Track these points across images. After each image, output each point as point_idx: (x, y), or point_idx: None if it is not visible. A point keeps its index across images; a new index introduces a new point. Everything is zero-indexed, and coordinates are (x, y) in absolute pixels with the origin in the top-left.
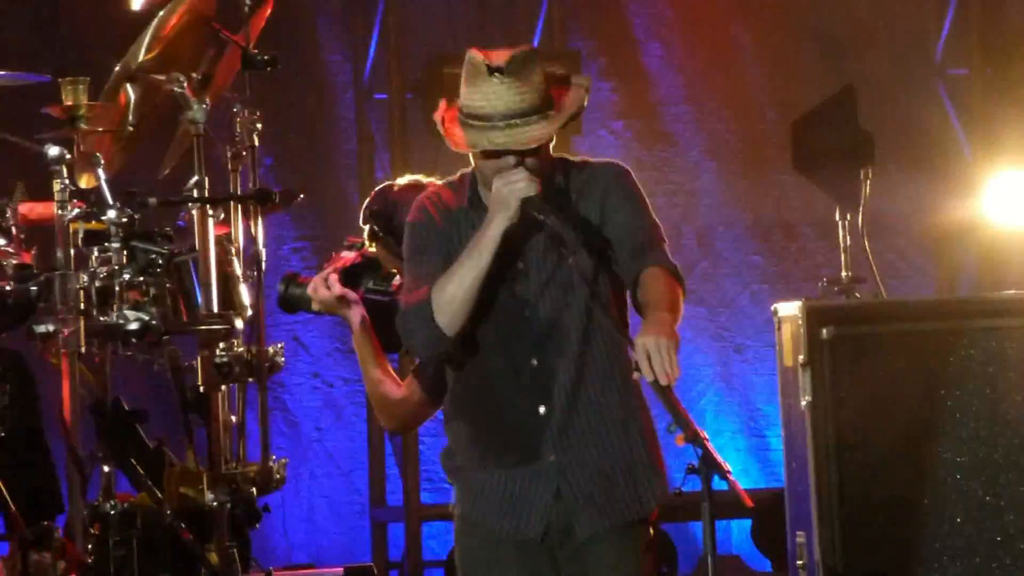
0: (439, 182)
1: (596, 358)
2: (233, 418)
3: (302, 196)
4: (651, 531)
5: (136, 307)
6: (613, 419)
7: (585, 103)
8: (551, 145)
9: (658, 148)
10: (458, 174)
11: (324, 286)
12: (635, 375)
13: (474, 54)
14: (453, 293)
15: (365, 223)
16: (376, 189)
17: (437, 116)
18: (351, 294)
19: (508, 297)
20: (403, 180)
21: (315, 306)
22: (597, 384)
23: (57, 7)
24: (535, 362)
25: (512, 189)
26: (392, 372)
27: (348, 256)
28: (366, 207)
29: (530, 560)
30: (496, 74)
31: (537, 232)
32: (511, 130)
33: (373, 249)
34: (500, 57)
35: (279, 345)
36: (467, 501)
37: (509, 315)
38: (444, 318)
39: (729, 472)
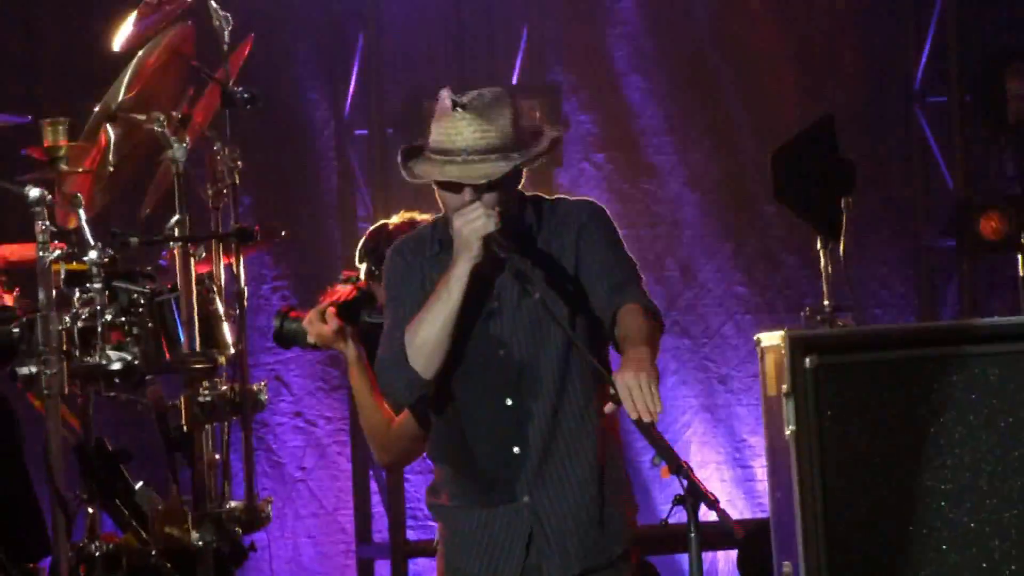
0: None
1: (571, 399)
2: (217, 457)
3: (284, 233)
4: (631, 568)
5: (118, 347)
6: (586, 462)
7: (547, 150)
8: (519, 184)
9: (640, 180)
10: (432, 218)
11: (321, 319)
12: (608, 407)
13: (444, 92)
14: (425, 336)
15: (361, 261)
16: (371, 227)
17: (399, 151)
18: (348, 327)
19: (482, 337)
20: (397, 218)
21: (311, 339)
22: (572, 425)
23: (35, 48)
24: (510, 402)
25: (472, 228)
26: (387, 407)
27: (344, 290)
28: (362, 245)
29: None
30: (459, 109)
31: (508, 271)
32: (467, 165)
33: (368, 283)
34: (466, 96)
35: (262, 383)
36: (447, 540)
37: (484, 355)
38: (419, 362)
39: (717, 501)
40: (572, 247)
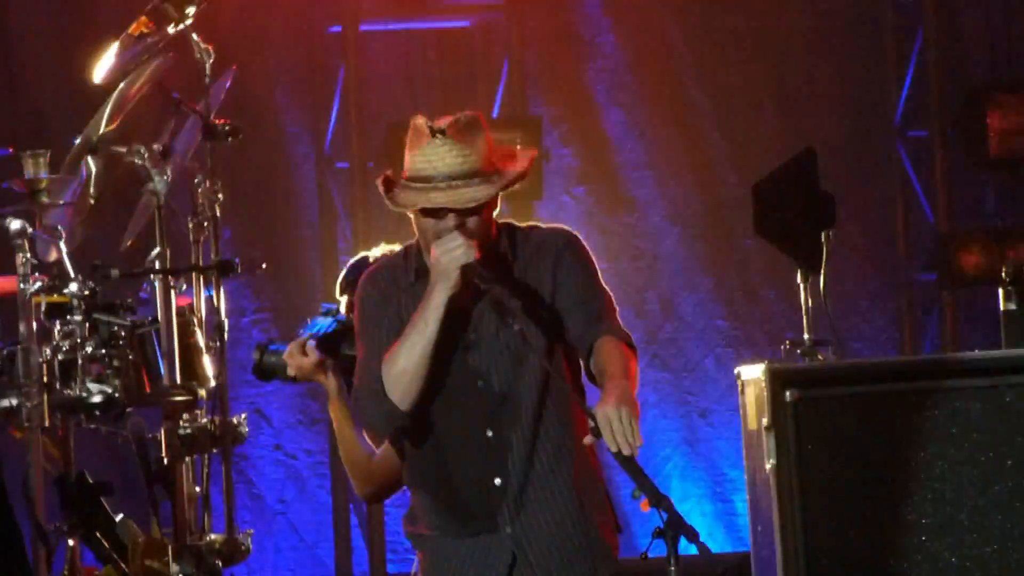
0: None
1: (550, 429)
2: (197, 489)
3: (264, 266)
4: None
5: (99, 380)
6: (566, 491)
7: (526, 170)
8: (495, 212)
9: (620, 213)
10: (403, 247)
11: (301, 352)
12: (587, 439)
13: (418, 119)
14: (403, 367)
15: (342, 293)
16: (351, 260)
17: (379, 181)
18: (329, 360)
19: (460, 368)
20: (377, 251)
21: (291, 371)
22: (551, 456)
23: (15, 80)
24: (490, 433)
25: (451, 257)
26: (368, 439)
27: (324, 322)
28: (342, 278)
29: None
30: (439, 135)
31: (489, 303)
32: (451, 191)
33: (348, 316)
34: (443, 121)
35: (242, 416)
36: (425, 570)
37: (462, 387)
38: (396, 393)
39: (697, 534)
40: (549, 276)
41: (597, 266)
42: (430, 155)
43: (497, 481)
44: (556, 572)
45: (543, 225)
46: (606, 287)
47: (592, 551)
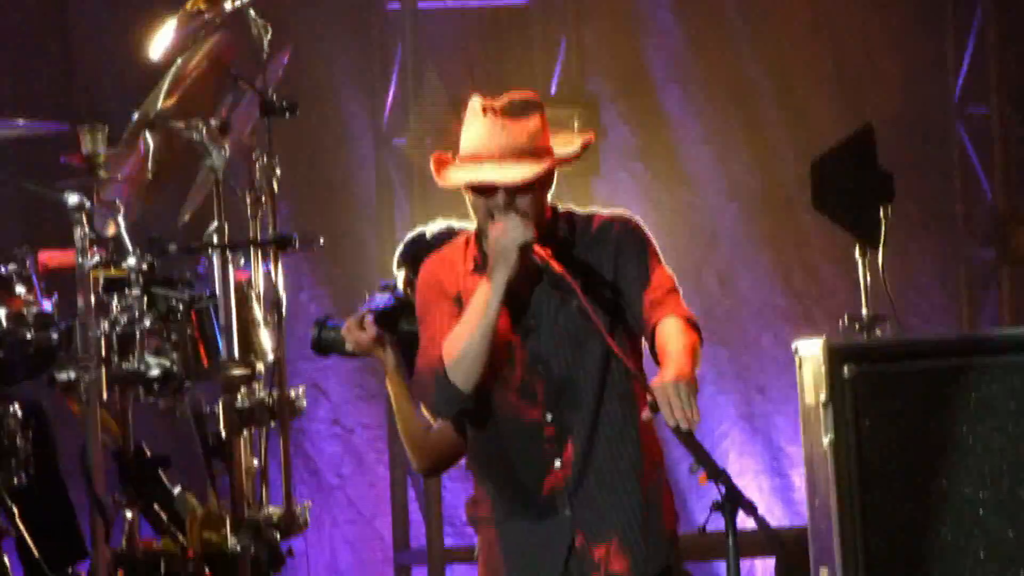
0: (470, 228)
1: (611, 413)
2: (255, 463)
3: (321, 241)
4: None
5: (157, 354)
6: (627, 475)
7: (578, 152)
8: (549, 194)
9: (678, 190)
10: (464, 233)
11: (359, 327)
12: (645, 415)
13: (475, 98)
14: (465, 351)
15: (399, 269)
16: (408, 236)
17: (432, 158)
18: (386, 335)
19: (522, 353)
20: (434, 226)
21: (349, 347)
22: (612, 439)
23: (73, 55)
24: (550, 417)
25: (511, 237)
26: (425, 413)
27: (382, 298)
28: (399, 254)
29: None
30: (490, 114)
31: (547, 288)
32: (499, 168)
33: (406, 291)
34: (498, 100)
35: (300, 389)
36: (487, 553)
37: (523, 371)
38: (459, 376)
39: (755, 507)
40: (610, 262)
41: (658, 249)
42: (482, 133)
43: (557, 463)
44: (614, 555)
45: (603, 211)
46: (668, 269)
47: (651, 536)
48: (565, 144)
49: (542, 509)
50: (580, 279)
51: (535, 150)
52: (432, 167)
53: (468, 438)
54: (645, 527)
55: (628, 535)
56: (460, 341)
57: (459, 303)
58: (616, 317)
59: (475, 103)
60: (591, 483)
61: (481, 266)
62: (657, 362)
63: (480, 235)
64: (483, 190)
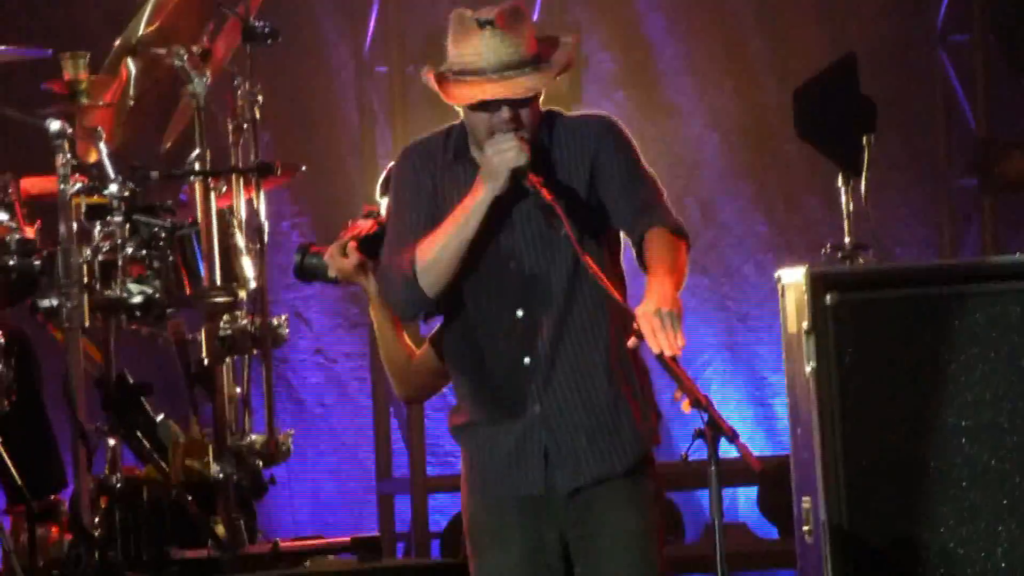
0: None
1: (580, 313)
2: (238, 390)
3: (303, 168)
4: (655, 485)
5: (139, 281)
6: (595, 372)
7: (572, 56)
8: (540, 101)
9: (660, 119)
10: (447, 126)
11: (342, 254)
12: (631, 342)
13: (461, 11)
14: (436, 259)
15: (382, 196)
16: (391, 164)
17: (427, 75)
18: (369, 262)
19: (494, 249)
20: None
21: (331, 273)
22: (581, 336)
23: None
24: (520, 313)
25: (503, 159)
26: (408, 340)
27: (365, 224)
28: (382, 181)
29: (532, 521)
30: (487, 27)
31: (530, 201)
32: (506, 81)
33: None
34: (488, 12)
35: (283, 317)
36: (468, 460)
37: (495, 267)
38: (426, 282)
39: (737, 435)
40: (588, 163)
41: (639, 151)
42: (480, 47)
43: (527, 360)
44: (583, 453)
45: (584, 112)
46: (650, 170)
47: (621, 431)
48: (552, 46)
49: (513, 406)
50: (563, 202)
51: (534, 58)
52: (432, 84)
53: (443, 336)
54: (613, 424)
55: (595, 430)
56: (433, 248)
57: (432, 195)
58: (594, 226)
59: (463, 16)
60: (560, 379)
61: (460, 159)
62: (643, 270)
63: (464, 129)
64: (485, 105)
